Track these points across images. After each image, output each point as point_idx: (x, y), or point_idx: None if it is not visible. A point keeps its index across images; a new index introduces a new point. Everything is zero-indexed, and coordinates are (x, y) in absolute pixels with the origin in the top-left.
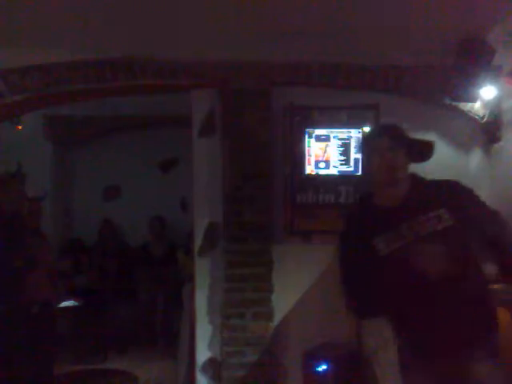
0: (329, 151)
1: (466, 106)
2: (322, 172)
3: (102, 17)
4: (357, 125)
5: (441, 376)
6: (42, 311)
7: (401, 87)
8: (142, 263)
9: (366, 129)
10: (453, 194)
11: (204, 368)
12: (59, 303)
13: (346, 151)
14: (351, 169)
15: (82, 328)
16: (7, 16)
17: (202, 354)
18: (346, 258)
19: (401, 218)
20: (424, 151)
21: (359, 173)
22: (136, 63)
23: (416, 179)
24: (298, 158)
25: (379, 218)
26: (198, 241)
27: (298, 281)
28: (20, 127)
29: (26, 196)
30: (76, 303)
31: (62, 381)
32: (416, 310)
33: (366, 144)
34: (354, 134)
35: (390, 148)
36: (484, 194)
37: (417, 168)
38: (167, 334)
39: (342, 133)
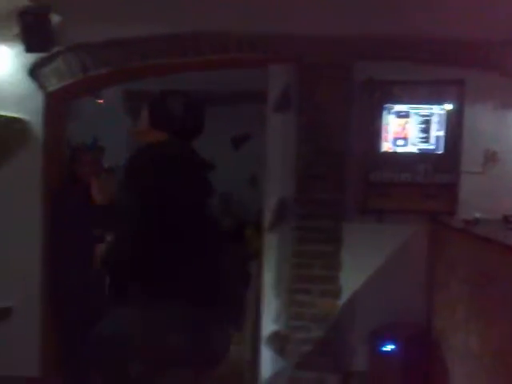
0: (408, 128)
1: None
2: (400, 150)
3: None
4: (439, 101)
5: None
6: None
7: (488, 62)
8: None
9: (449, 106)
10: None
11: (269, 341)
12: None
13: (426, 128)
14: (432, 147)
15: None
16: None
17: (268, 328)
18: None
19: None
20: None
21: (440, 151)
22: (215, 37)
23: None
24: (375, 135)
25: None
26: (268, 216)
27: (367, 260)
28: (101, 101)
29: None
30: None
31: None
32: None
33: None
34: (437, 111)
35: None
36: None
37: None
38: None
39: (424, 109)
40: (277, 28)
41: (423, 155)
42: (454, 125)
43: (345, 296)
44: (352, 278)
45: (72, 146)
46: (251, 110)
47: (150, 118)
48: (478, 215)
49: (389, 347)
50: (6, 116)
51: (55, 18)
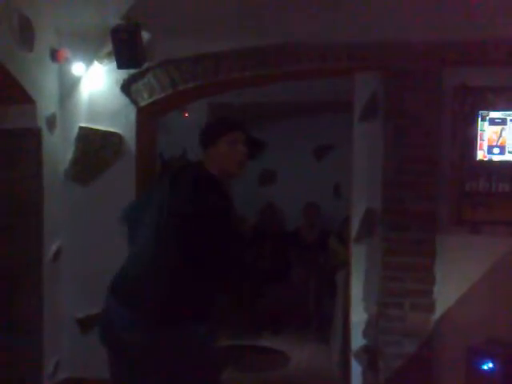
0: (504, 135)
1: None
2: (496, 158)
3: (265, 2)
4: None
5: None
6: None
7: None
8: (295, 247)
9: None
10: None
11: (358, 355)
12: None
13: None
14: None
15: (238, 305)
16: (179, 7)
17: (357, 341)
18: None
19: None
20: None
21: None
22: (299, 48)
23: None
24: (469, 143)
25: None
26: (355, 227)
27: (463, 273)
28: (187, 114)
29: None
30: None
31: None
32: None
33: (216, 135)
34: None
35: (243, 143)
36: None
37: None
38: (320, 319)
39: None
40: (362, 36)
41: None
42: None
43: (439, 311)
44: (447, 291)
45: (164, 158)
46: (335, 120)
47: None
48: None
49: (487, 365)
50: (101, 130)
51: (145, 35)
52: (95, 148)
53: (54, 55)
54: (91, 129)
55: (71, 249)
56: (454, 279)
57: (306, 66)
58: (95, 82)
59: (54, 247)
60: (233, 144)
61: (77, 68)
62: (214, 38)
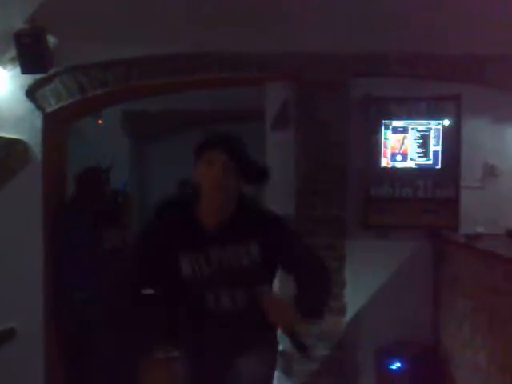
0: (406, 143)
1: None
2: (399, 165)
3: (178, 11)
4: (437, 116)
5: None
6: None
7: (484, 77)
8: None
9: (447, 121)
10: (272, 229)
11: None
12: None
13: (424, 143)
14: (430, 162)
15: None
16: (89, 11)
17: None
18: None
19: (209, 241)
20: (260, 174)
21: (439, 166)
22: (211, 57)
23: (244, 202)
24: (374, 151)
25: (189, 234)
26: None
27: (371, 276)
28: (100, 122)
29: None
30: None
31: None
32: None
33: (198, 153)
34: (434, 126)
35: (224, 164)
36: None
37: None
38: None
39: (421, 124)
40: (272, 46)
41: (422, 170)
42: (452, 140)
43: (350, 313)
44: (357, 295)
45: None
46: (250, 128)
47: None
48: (480, 230)
49: (396, 365)
50: (5, 137)
51: (51, 40)
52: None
53: None
54: None
55: None
56: (364, 282)
57: (216, 75)
58: None
59: None
60: (208, 164)
61: None
62: (123, 44)
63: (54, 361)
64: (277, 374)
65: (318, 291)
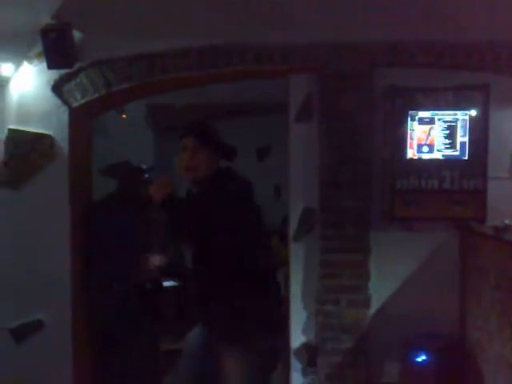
0: (433, 134)
1: None
2: (426, 156)
3: (201, 4)
4: (464, 107)
5: None
6: (154, 289)
7: None
8: None
9: (474, 112)
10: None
11: (298, 353)
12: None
13: (451, 134)
14: (457, 153)
15: (182, 308)
16: (113, 6)
17: (297, 339)
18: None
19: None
20: (229, 153)
21: (466, 157)
22: (235, 49)
23: (219, 175)
24: (400, 142)
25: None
26: (294, 226)
27: (396, 269)
28: (124, 116)
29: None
30: (176, 283)
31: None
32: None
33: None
34: (461, 117)
35: (193, 148)
36: None
37: None
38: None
39: (448, 115)
40: (296, 38)
41: (449, 161)
42: (480, 130)
43: (374, 306)
44: (381, 287)
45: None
46: (274, 121)
47: None
48: (507, 221)
49: (421, 358)
50: (32, 132)
51: (77, 35)
52: (25, 151)
53: None
54: (21, 131)
55: (2, 255)
56: (389, 275)
57: (239, 68)
58: (25, 82)
59: None
60: (182, 150)
61: (5, 69)
62: (149, 38)
63: (82, 353)
64: (301, 366)
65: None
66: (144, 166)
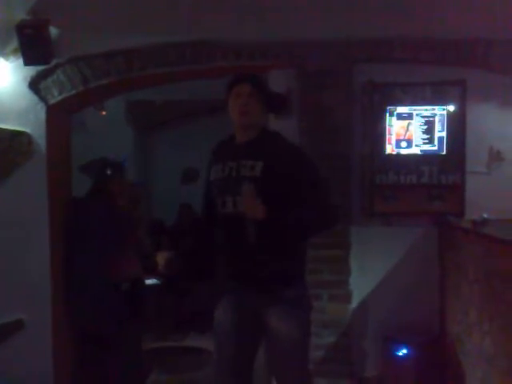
0: (411, 130)
1: None
2: (404, 151)
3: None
4: (442, 102)
5: None
6: (132, 288)
7: (488, 62)
8: None
9: (451, 107)
10: (285, 157)
11: None
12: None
13: (429, 129)
14: (435, 148)
15: (163, 306)
16: (90, 2)
17: None
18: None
19: (233, 156)
20: (281, 104)
21: (444, 152)
22: (213, 45)
23: (267, 131)
24: (378, 137)
25: (224, 150)
26: None
27: (376, 264)
28: (104, 112)
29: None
30: (158, 281)
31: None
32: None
33: (228, 88)
34: (439, 112)
35: (249, 94)
36: None
37: None
38: None
39: (426, 110)
40: (276, 34)
41: (427, 156)
42: (457, 125)
43: (355, 301)
44: (362, 282)
45: (107, 162)
46: None
47: None
48: (486, 215)
49: (402, 352)
50: (9, 129)
51: (53, 31)
52: (3, 148)
53: None
54: None
55: None
56: (369, 270)
57: (219, 64)
58: (1, 79)
59: None
60: (236, 97)
61: None
62: (127, 33)
63: (62, 352)
64: None
65: (299, 217)
66: (120, 159)
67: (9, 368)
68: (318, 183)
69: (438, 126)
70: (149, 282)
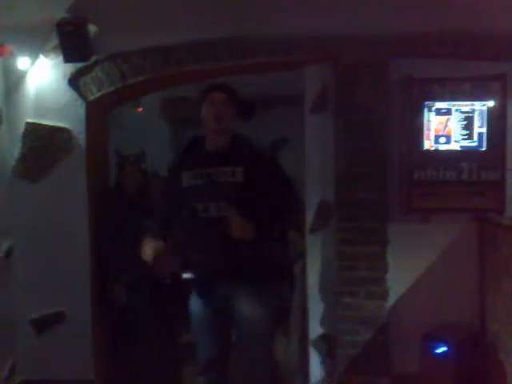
0: (450, 125)
1: None
2: (443, 147)
3: None
4: (481, 97)
5: None
6: (174, 282)
7: None
8: None
9: (491, 102)
10: (260, 161)
11: (316, 344)
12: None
13: (468, 125)
14: (475, 144)
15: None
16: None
17: (314, 331)
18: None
19: (208, 162)
20: (250, 111)
21: (484, 148)
22: (249, 41)
23: (238, 136)
24: (416, 133)
25: (196, 157)
26: (310, 218)
27: (414, 260)
28: (140, 109)
29: (147, 175)
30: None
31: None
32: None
33: (204, 95)
34: (478, 107)
35: (223, 101)
36: None
37: None
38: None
39: (465, 105)
40: (310, 29)
41: (466, 152)
42: (497, 121)
43: (393, 298)
44: (400, 279)
45: (121, 154)
46: (289, 114)
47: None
48: None
49: (441, 349)
50: (49, 125)
51: (92, 28)
52: (43, 144)
53: None
54: (39, 124)
55: (22, 247)
56: (406, 267)
57: (255, 59)
58: (42, 76)
59: (4, 246)
60: (211, 103)
61: (22, 62)
62: (163, 30)
63: (102, 345)
64: (319, 356)
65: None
66: (136, 152)
67: (49, 359)
68: (286, 184)
69: (477, 122)
70: (185, 275)
